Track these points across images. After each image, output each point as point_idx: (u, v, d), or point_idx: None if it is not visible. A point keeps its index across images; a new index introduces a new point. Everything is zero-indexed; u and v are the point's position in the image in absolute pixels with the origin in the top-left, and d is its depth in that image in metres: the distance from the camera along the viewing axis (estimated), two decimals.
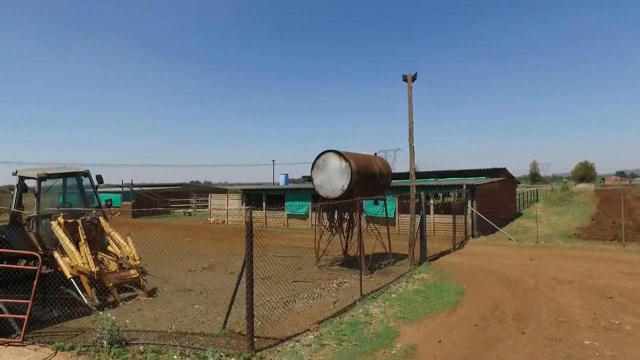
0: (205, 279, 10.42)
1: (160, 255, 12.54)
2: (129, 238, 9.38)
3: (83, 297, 7.91)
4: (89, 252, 8.18)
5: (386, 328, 6.59)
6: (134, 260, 8.82)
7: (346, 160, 10.83)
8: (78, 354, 5.68)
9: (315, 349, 5.80)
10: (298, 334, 6.41)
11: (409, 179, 12.84)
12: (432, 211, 19.00)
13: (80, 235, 8.42)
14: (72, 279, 8.07)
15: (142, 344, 5.98)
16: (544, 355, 5.42)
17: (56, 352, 5.70)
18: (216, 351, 5.61)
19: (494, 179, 22.14)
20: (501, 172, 24.42)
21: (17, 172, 9.76)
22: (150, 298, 8.52)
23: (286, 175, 33.90)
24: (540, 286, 9.02)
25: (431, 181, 23.61)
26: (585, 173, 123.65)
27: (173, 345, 5.88)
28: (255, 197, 27.77)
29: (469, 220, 17.97)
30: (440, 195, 22.80)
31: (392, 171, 14.66)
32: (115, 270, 8.76)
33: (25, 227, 9.39)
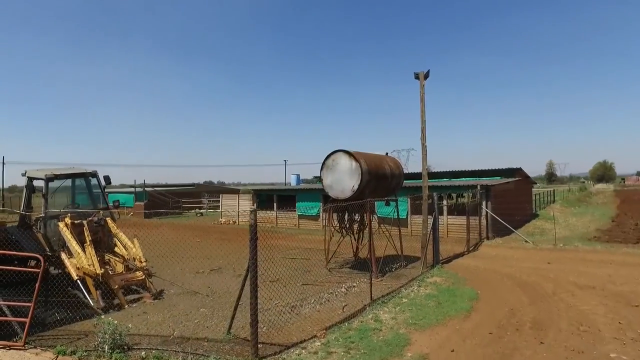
0: (213, 281, 10.27)
1: (169, 256, 12.45)
2: (135, 239, 9.29)
3: (89, 299, 7.84)
4: (94, 253, 8.10)
5: (396, 335, 6.32)
6: (140, 262, 8.73)
7: (356, 160, 10.58)
8: (79, 359, 5.55)
9: (321, 356, 5.57)
10: (304, 340, 6.18)
11: (421, 179, 12.51)
12: (445, 212, 18.59)
13: (86, 237, 8.35)
14: (78, 281, 8.01)
15: (145, 349, 5.83)
16: None
17: (57, 356, 5.59)
18: (219, 358, 5.44)
19: (509, 179, 21.58)
20: (516, 172, 23.81)
21: (26, 172, 9.77)
22: (156, 301, 8.40)
23: (297, 175, 33.71)
24: (560, 292, 8.62)
25: (444, 181, 23.17)
26: (604, 173, 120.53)
27: (175, 351, 5.72)
28: (266, 197, 27.69)
29: (484, 221, 17.52)
30: (454, 196, 22.34)
31: (405, 171, 14.37)
32: (122, 272, 8.67)
33: (34, 228, 9.39)
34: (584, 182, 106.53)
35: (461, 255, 13.63)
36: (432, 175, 27.63)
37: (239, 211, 28.82)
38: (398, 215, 12.83)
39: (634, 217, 23.89)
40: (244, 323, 6.54)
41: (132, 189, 36.15)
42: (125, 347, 5.76)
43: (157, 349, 5.80)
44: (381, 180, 11.44)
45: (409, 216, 19.85)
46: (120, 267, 8.84)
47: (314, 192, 24.08)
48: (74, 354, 5.66)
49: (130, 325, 6.63)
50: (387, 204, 13.72)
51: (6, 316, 6.16)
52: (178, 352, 5.71)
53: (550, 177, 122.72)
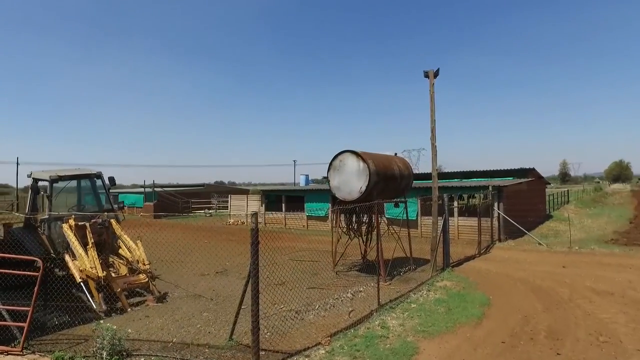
0: (218, 283, 10.13)
1: (175, 257, 12.36)
2: (138, 241, 9.19)
3: (92, 302, 7.75)
4: (97, 256, 8.01)
5: (404, 343, 6.07)
6: (144, 264, 8.61)
7: (364, 160, 10.33)
8: None
9: None
10: (308, 347, 5.97)
11: (431, 180, 12.21)
12: (455, 214, 18.20)
13: (88, 239, 8.26)
14: (82, 283, 7.93)
15: (144, 355, 5.69)
16: None
17: None
18: None
19: (522, 180, 21.09)
20: (529, 172, 23.27)
21: (31, 174, 9.75)
22: (159, 304, 8.28)
23: (307, 175, 33.54)
24: (576, 298, 8.26)
25: (455, 182, 22.77)
26: (620, 172, 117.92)
27: (175, 358, 5.56)
28: (274, 198, 27.57)
29: (495, 223, 17.10)
30: (465, 196, 21.90)
31: (416, 172, 14.10)
32: (125, 274, 8.57)
33: (39, 230, 9.34)
34: (598, 182, 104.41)
35: (472, 258, 13.29)
36: (443, 175, 27.20)
37: (247, 212, 28.77)
38: (407, 216, 12.54)
39: None
40: (246, 329, 6.34)
41: (142, 190, 36.32)
42: (124, 353, 5.62)
43: (157, 356, 5.65)
44: (390, 181, 11.18)
45: (419, 217, 19.54)
46: (124, 270, 8.75)
47: (323, 192, 23.86)
48: (72, 359, 5.54)
49: (130, 330, 6.53)
50: (397, 205, 13.45)
51: (5, 320, 6.06)
52: (177, 359, 5.55)
53: (564, 177, 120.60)
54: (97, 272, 7.70)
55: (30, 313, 5.72)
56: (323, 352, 5.80)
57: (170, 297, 8.82)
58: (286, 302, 8.04)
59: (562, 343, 5.94)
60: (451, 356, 5.60)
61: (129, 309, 7.85)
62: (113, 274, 8.56)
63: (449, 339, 6.23)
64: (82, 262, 7.92)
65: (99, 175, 9.87)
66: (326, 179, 11.41)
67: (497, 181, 19.73)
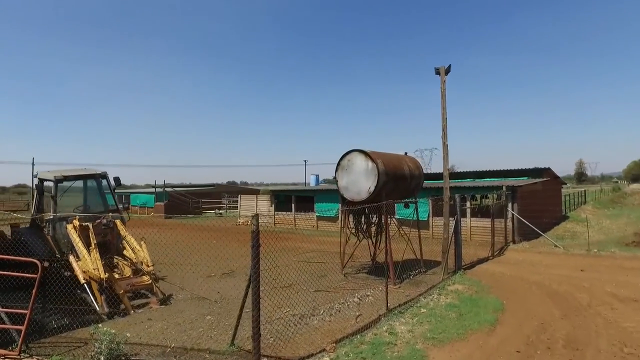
0: (224, 285, 9.95)
1: (182, 258, 12.24)
2: (142, 242, 9.07)
3: (96, 304, 7.64)
4: (99, 257, 7.90)
5: (412, 351, 5.79)
6: (147, 266, 8.49)
7: (373, 160, 10.06)
8: None
9: None
10: (312, 354, 5.73)
11: (443, 179, 11.85)
12: (468, 214, 17.77)
13: (91, 240, 8.17)
14: (85, 284, 7.83)
15: None
16: None
17: None
18: None
19: (537, 180, 20.52)
20: (544, 171, 22.67)
21: (37, 174, 9.72)
22: (163, 306, 8.13)
23: (317, 175, 33.34)
24: (596, 304, 7.84)
25: (468, 182, 22.29)
26: (639, 172, 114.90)
27: None
28: (284, 198, 27.42)
29: (509, 224, 16.63)
30: (478, 197, 21.42)
31: (429, 171, 13.80)
32: (129, 276, 8.45)
33: (45, 230, 9.30)
34: (617, 181, 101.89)
35: (485, 260, 12.89)
36: (455, 175, 26.73)
37: (256, 212, 28.64)
38: (418, 217, 12.21)
39: None
40: (249, 334, 6.09)
41: (153, 189, 36.55)
42: (123, 358, 5.47)
43: None
44: (399, 181, 10.88)
45: (430, 218, 19.15)
46: (128, 271, 8.64)
47: (333, 192, 23.58)
48: None
49: (131, 333, 6.40)
50: (407, 206, 13.13)
51: (4, 323, 5.96)
52: None
53: (580, 177, 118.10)
54: (100, 274, 7.59)
55: (27, 316, 5.60)
56: (327, 359, 5.56)
57: (175, 299, 8.68)
58: (292, 306, 7.83)
59: (582, 354, 5.59)
60: None
61: (132, 311, 7.72)
62: (117, 275, 8.47)
63: (460, 347, 5.93)
64: (85, 263, 7.82)
65: (104, 176, 9.80)
66: (334, 179, 11.16)
67: (511, 181, 19.23)
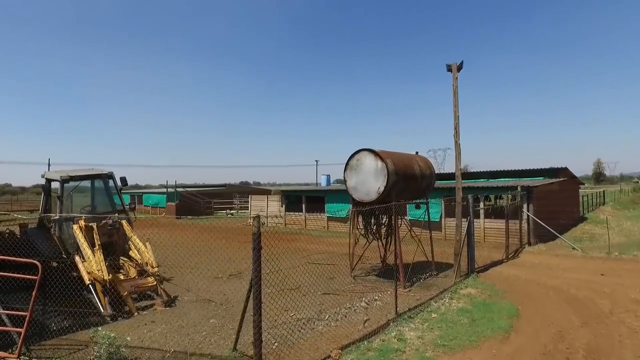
0: (230, 287, 9.80)
1: (190, 259, 12.15)
2: (147, 243, 8.98)
3: (100, 305, 7.55)
4: (103, 258, 7.81)
5: (422, 359, 5.52)
6: (152, 267, 8.38)
7: (382, 160, 9.79)
8: None
9: None
10: None
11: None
12: (482, 215, 17.32)
13: (95, 240, 8.09)
14: (90, 286, 7.76)
15: None
16: None
17: None
18: None
19: (553, 180, 19.93)
20: (561, 171, 22.03)
21: (44, 174, 9.72)
22: (167, 308, 8.01)
23: (328, 176, 33.08)
24: (618, 311, 7.43)
25: (481, 182, 21.80)
26: None
27: None
28: (294, 198, 27.25)
29: (525, 225, 16.14)
30: (492, 197, 20.93)
31: (442, 171, 13.52)
32: (134, 277, 8.36)
33: (51, 230, 9.29)
34: (637, 181, 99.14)
35: (499, 262, 12.48)
36: (469, 175, 26.20)
37: (267, 213, 28.59)
38: (429, 218, 11.88)
39: None
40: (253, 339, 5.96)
41: (165, 190, 36.80)
42: None
43: None
44: (410, 181, 10.58)
45: (442, 219, 18.75)
46: (133, 272, 8.55)
47: (344, 193, 23.29)
48: None
49: (133, 336, 6.28)
50: (418, 207, 12.82)
51: (5, 324, 5.89)
52: None
53: (599, 176, 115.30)
54: (103, 275, 7.50)
55: (27, 318, 5.50)
56: None
57: (180, 301, 8.56)
58: (298, 309, 7.62)
59: None
60: None
61: (136, 313, 7.62)
62: (122, 277, 8.39)
63: (472, 356, 5.64)
64: (90, 264, 7.75)
65: (110, 176, 9.75)
66: (343, 180, 10.92)
67: (527, 181, 18.71)
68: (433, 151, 67.59)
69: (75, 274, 8.73)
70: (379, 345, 6.03)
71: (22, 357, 5.51)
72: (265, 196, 30.41)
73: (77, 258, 8.28)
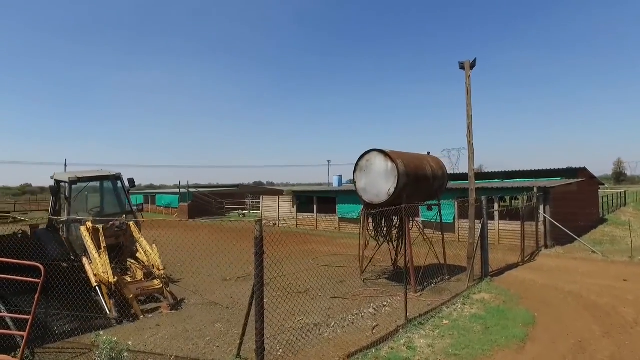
0: (238, 290, 9.68)
1: (199, 260, 12.09)
2: (154, 245, 8.91)
3: (106, 308, 7.51)
4: (108, 260, 7.76)
5: None
6: (158, 269, 8.30)
7: (392, 160, 9.54)
8: None
9: None
10: None
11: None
12: (496, 217, 16.89)
13: (101, 242, 8.05)
14: (97, 288, 7.73)
15: None
16: None
17: None
18: None
19: (571, 180, 19.32)
20: (580, 172, 21.36)
21: (54, 175, 9.76)
22: (174, 311, 7.92)
23: (340, 176, 32.82)
24: None
25: (496, 183, 21.30)
26: None
27: None
28: (306, 199, 27.10)
29: (541, 227, 15.64)
30: (507, 198, 20.42)
31: (456, 172, 13.16)
32: (141, 279, 8.30)
33: (60, 232, 9.31)
34: None
35: (515, 266, 12.09)
36: (483, 175, 25.67)
37: (279, 213, 28.52)
38: (441, 220, 11.58)
39: None
40: None
41: (177, 190, 37.07)
42: None
43: None
44: (421, 182, 10.31)
45: (456, 221, 18.36)
46: (140, 274, 8.49)
47: (355, 194, 22.98)
48: None
49: (133, 341, 6.18)
50: (430, 208, 12.53)
51: (10, 327, 5.85)
52: None
53: (619, 177, 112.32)
54: (108, 278, 7.45)
55: (29, 321, 5.44)
56: None
57: (186, 304, 8.47)
58: (305, 314, 7.45)
59: None
60: None
61: (142, 316, 7.54)
62: (129, 279, 8.34)
63: None
64: (96, 266, 7.71)
65: (118, 177, 9.73)
66: (353, 181, 10.71)
67: (543, 182, 18.18)
68: (447, 151, 66.63)
69: (84, 275, 8.74)
70: (387, 353, 5.82)
71: None
72: (277, 197, 30.33)
73: (84, 260, 8.27)
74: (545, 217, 15.63)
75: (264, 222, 28.18)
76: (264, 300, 7.24)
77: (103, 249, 7.93)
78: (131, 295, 7.60)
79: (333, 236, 20.92)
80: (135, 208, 10.00)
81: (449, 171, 12.11)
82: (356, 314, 7.54)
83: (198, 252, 12.51)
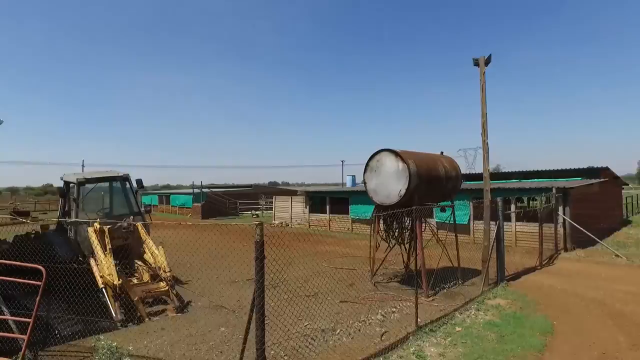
0: (245, 293, 9.51)
1: (209, 261, 12.00)
2: (160, 247, 8.84)
3: (112, 310, 7.45)
4: (113, 262, 7.70)
5: None
6: (164, 271, 8.22)
7: (403, 160, 9.26)
8: None
9: None
10: None
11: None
12: (513, 218, 16.37)
13: (106, 244, 8.00)
14: (103, 289, 7.68)
15: None
16: None
17: None
18: None
19: (593, 180, 18.62)
20: (602, 171, 20.61)
21: (63, 177, 9.79)
22: (179, 314, 7.81)
23: (353, 176, 32.54)
24: None
25: (513, 183, 20.71)
26: None
27: None
28: (319, 199, 26.90)
29: (560, 230, 15.07)
30: (525, 199, 19.83)
31: (473, 172, 12.75)
32: (148, 281, 8.23)
33: (69, 233, 9.33)
34: None
35: (532, 270, 11.63)
36: (500, 176, 25.05)
37: (291, 214, 28.40)
38: (455, 222, 11.22)
39: None
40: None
41: (191, 190, 37.35)
42: None
43: None
44: (434, 183, 9.99)
45: (471, 222, 17.89)
46: (147, 276, 8.43)
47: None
48: None
49: (135, 346, 6.06)
50: (443, 209, 12.17)
51: (12, 330, 5.81)
52: None
53: None
54: (113, 280, 7.39)
55: (30, 324, 5.38)
56: None
57: (192, 307, 8.36)
58: (313, 318, 7.25)
59: None
60: None
61: (147, 319, 7.45)
62: (136, 281, 8.28)
63: None
64: (102, 268, 7.67)
65: (126, 178, 9.71)
66: (363, 182, 10.46)
67: (562, 182, 17.54)
68: (463, 150, 65.92)
69: (92, 277, 8.73)
70: None
71: None
72: (290, 197, 30.20)
73: (91, 261, 8.24)
74: (564, 219, 15.07)
75: (275, 222, 28.26)
76: (270, 305, 7.11)
77: (108, 251, 7.88)
78: (136, 298, 7.52)
79: (346, 237, 20.68)
80: (143, 209, 9.96)
81: (466, 171, 11.80)
82: (363, 320, 7.27)
83: (207, 253, 12.44)
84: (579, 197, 16.16)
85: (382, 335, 6.59)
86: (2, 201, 55.14)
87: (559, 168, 21.26)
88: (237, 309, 8.16)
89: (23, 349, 5.39)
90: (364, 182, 10.27)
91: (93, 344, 5.65)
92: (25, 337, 5.41)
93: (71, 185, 9.62)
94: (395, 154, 9.47)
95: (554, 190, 15.04)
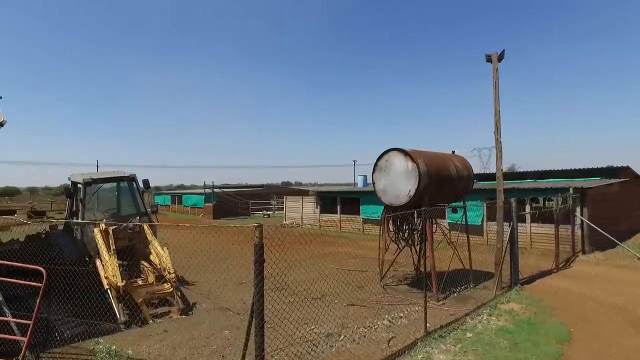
0: (251, 295, 9.35)
1: (216, 262, 11.91)
2: (165, 248, 8.76)
3: (116, 311, 7.39)
4: (116, 264, 7.65)
5: None
6: (169, 273, 8.13)
7: (413, 160, 9.01)
8: None
9: None
10: None
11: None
12: (528, 219, 15.89)
13: (110, 244, 7.96)
14: (108, 290, 7.64)
15: None
16: None
17: None
18: None
19: (612, 180, 17.99)
20: (622, 171, 19.92)
21: (70, 177, 9.82)
22: (183, 317, 7.72)
23: (364, 176, 32.19)
24: None
25: (528, 183, 20.18)
26: None
27: None
28: (329, 199, 26.71)
29: (578, 231, 14.57)
30: (540, 200, 19.28)
31: (487, 171, 12.43)
32: (152, 282, 8.16)
33: (74, 233, 9.34)
34: None
35: (548, 273, 11.23)
36: (516, 176, 24.51)
37: (302, 214, 28.28)
38: (466, 223, 10.90)
39: None
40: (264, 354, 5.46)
41: (203, 190, 37.54)
42: None
43: None
44: (444, 183, 9.71)
45: (484, 223, 17.47)
46: (152, 277, 8.37)
47: None
48: None
49: (136, 349, 5.97)
50: (455, 210, 11.84)
51: (14, 332, 5.78)
52: None
53: None
54: (117, 281, 7.33)
55: (30, 326, 5.33)
56: None
57: (197, 309, 8.26)
58: (319, 322, 7.06)
59: None
60: None
61: (151, 321, 7.38)
62: (141, 282, 8.22)
63: None
64: (106, 269, 7.63)
65: (133, 178, 9.68)
66: (372, 182, 10.24)
67: (580, 182, 16.98)
68: (477, 150, 64.91)
69: (97, 277, 8.71)
70: None
71: None
72: (300, 197, 30.07)
73: (97, 262, 8.22)
74: (582, 220, 14.56)
75: (286, 222, 28.17)
76: (276, 308, 6.95)
77: (112, 252, 7.84)
78: (140, 299, 7.45)
79: (357, 238, 20.44)
80: (150, 210, 9.92)
81: (480, 171, 11.50)
82: (369, 326, 7.05)
83: (214, 254, 12.35)
84: (597, 197, 15.61)
85: (389, 341, 6.37)
86: (22, 201, 56.35)
87: (577, 167, 20.65)
88: (242, 312, 8.02)
89: (23, 350, 5.34)
90: (373, 183, 10.06)
91: (92, 347, 5.56)
92: (24, 339, 5.36)
93: (78, 185, 9.64)
94: (405, 153, 9.22)
95: (571, 191, 14.54)
